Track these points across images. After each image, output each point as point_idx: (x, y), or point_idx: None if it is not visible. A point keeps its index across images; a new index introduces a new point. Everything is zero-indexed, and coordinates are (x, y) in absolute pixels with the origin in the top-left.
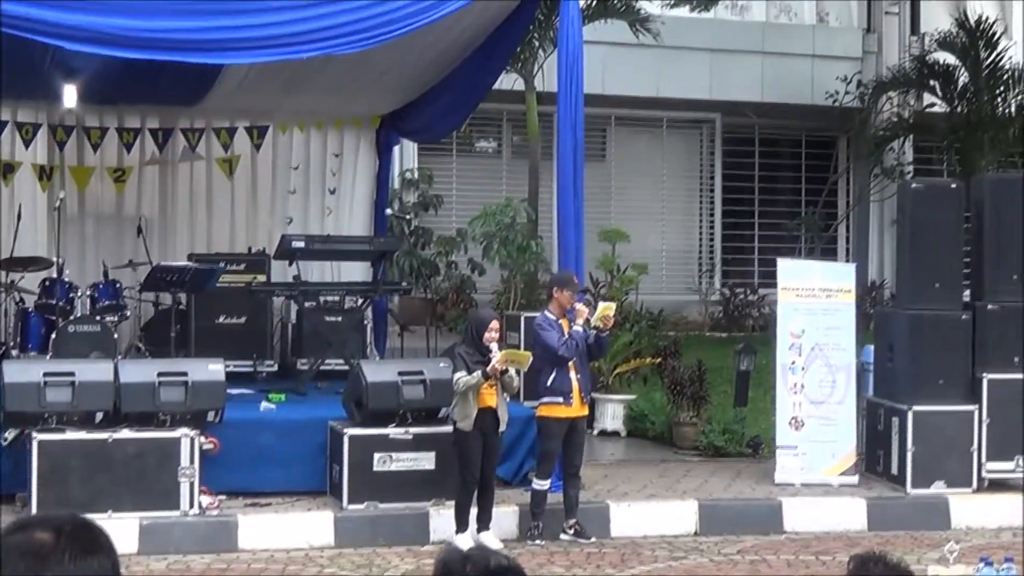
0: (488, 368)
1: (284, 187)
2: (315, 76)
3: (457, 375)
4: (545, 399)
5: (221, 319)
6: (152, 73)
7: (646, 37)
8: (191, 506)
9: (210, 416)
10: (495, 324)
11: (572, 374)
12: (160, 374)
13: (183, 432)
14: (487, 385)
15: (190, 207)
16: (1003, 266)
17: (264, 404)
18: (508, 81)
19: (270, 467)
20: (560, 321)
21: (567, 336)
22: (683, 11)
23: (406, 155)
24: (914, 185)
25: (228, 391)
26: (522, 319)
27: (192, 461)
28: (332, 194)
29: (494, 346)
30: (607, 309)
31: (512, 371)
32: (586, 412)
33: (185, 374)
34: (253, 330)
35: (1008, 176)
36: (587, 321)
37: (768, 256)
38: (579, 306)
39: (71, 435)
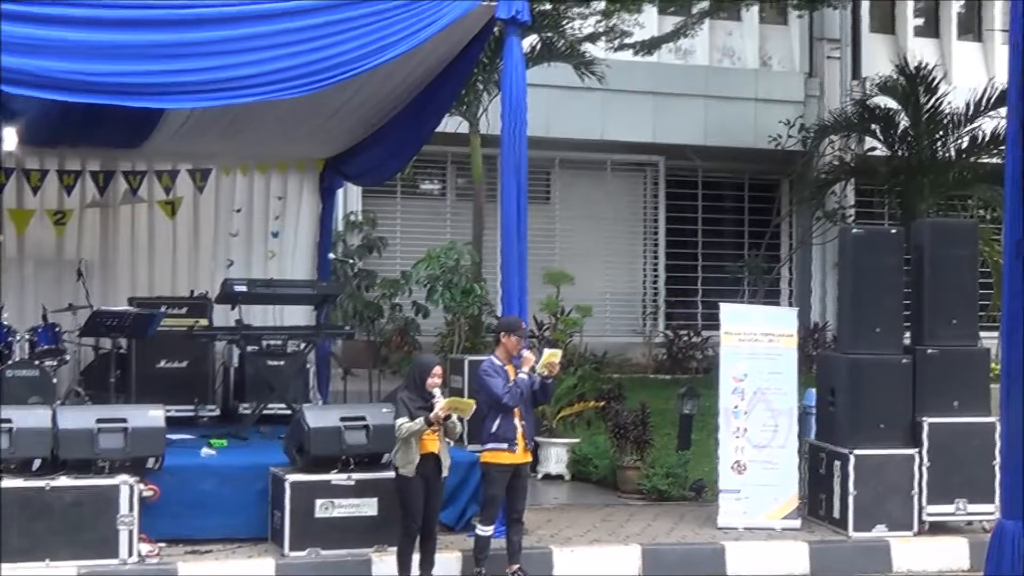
0: (431, 415)
1: (226, 230)
2: (258, 120)
3: (399, 421)
4: (489, 445)
5: (162, 363)
6: (93, 116)
7: (591, 80)
8: (130, 554)
9: (150, 463)
10: (438, 370)
11: (517, 420)
12: (99, 420)
13: (122, 479)
14: (430, 431)
15: (131, 250)
16: (942, 311)
17: (205, 450)
18: (453, 124)
19: (211, 514)
20: (506, 367)
21: (512, 383)
22: (627, 55)
23: (350, 197)
24: (855, 231)
25: (169, 437)
26: (466, 362)
27: (131, 508)
28: (275, 237)
29: (437, 392)
30: (552, 356)
31: (455, 417)
32: (529, 458)
33: (124, 420)
34: (195, 374)
35: (947, 221)
36: (532, 368)
37: (711, 298)
38: (525, 353)
39: (8, 483)
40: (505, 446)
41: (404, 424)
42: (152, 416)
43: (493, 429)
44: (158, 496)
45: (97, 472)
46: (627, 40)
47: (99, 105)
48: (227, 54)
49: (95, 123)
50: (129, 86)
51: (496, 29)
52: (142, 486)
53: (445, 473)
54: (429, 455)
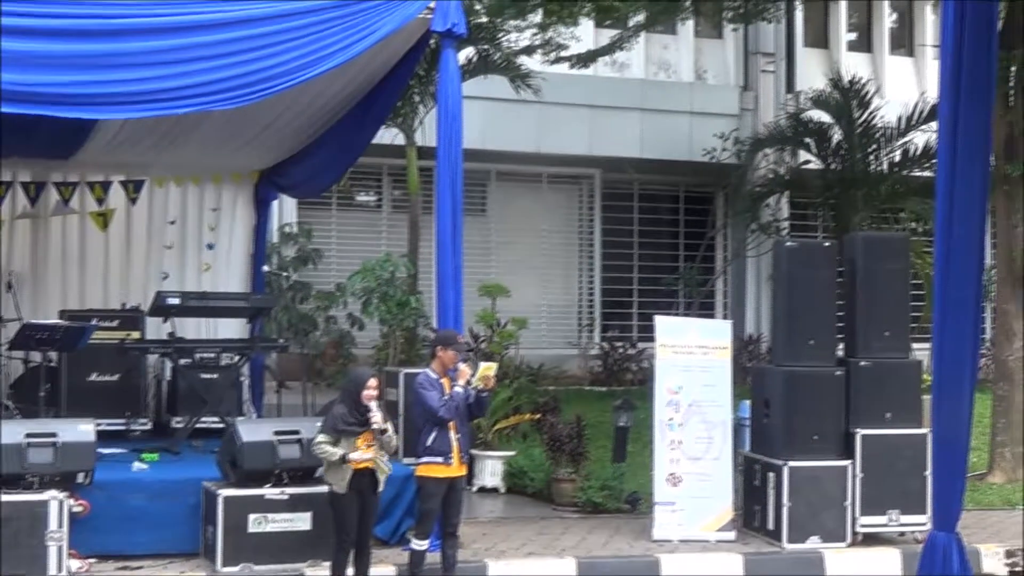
0: (349, 455)
1: (160, 242)
2: (192, 131)
3: (319, 438)
4: (425, 459)
5: (93, 376)
6: (24, 127)
7: (527, 93)
8: (60, 570)
9: (80, 478)
10: (374, 382)
11: (452, 434)
12: (28, 435)
13: (52, 495)
14: (366, 446)
15: (62, 262)
16: (875, 323)
17: (136, 464)
18: (389, 136)
19: (142, 529)
20: (441, 380)
21: (448, 396)
22: (563, 68)
23: (285, 209)
24: (788, 244)
25: (100, 451)
26: (401, 375)
27: (61, 524)
28: (210, 249)
29: (373, 404)
30: (488, 369)
31: (391, 431)
32: (465, 471)
33: (54, 435)
34: (127, 388)
35: (879, 235)
36: (468, 381)
37: (647, 310)
38: (461, 367)
39: None
40: (440, 460)
41: (322, 445)
42: (82, 430)
43: (428, 443)
44: (88, 511)
45: (26, 487)
46: (563, 53)
47: (31, 115)
48: (160, 65)
49: (26, 133)
50: (61, 96)
51: (432, 41)
52: (72, 501)
53: (381, 487)
54: (364, 470)
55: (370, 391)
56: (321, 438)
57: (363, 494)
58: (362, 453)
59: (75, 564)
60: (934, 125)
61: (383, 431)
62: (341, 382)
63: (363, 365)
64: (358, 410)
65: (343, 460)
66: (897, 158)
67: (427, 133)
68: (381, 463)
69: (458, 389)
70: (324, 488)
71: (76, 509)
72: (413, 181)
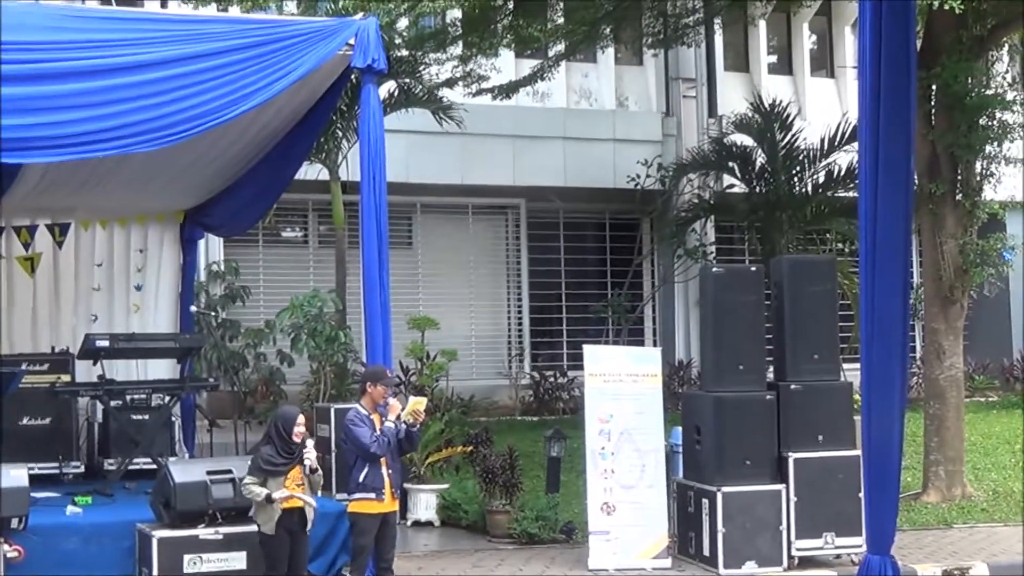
0: (274, 495)
1: (88, 284)
2: (115, 173)
3: (247, 480)
4: (357, 495)
5: (25, 420)
6: None
7: (450, 125)
8: None
9: (14, 523)
10: (302, 419)
11: (384, 469)
12: None
13: None
14: (296, 484)
15: None
16: (804, 346)
17: (70, 508)
18: (313, 171)
19: (77, 573)
20: (372, 416)
21: (379, 432)
22: (486, 99)
23: (212, 247)
24: (714, 269)
25: (33, 495)
26: (332, 411)
27: None
28: (138, 290)
29: (310, 443)
30: (418, 404)
31: (319, 470)
32: (396, 507)
33: None
34: (58, 431)
35: (805, 258)
36: (398, 416)
37: (576, 339)
38: (392, 402)
39: None
40: (373, 495)
41: (249, 486)
42: (15, 476)
43: (360, 479)
44: (23, 557)
45: None
46: (485, 85)
47: None
48: (79, 108)
49: None
50: None
51: (353, 77)
52: (7, 547)
53: (310, 525)
54: (292, 509)
55: (299, 427)
56: (248, 479)
57: (293, 533)
58: (285, 492)
59: None
60: (856, 146)
61: (314, 470)
62: (268, 421)
63: (292, 402)
64: (287, 448)
65: (269, 500)
66: (821, 179)
67: (351, 168)
68: (307, 500)
69: (389, 424)
70: (255, 527)
71: (11, 555)
72: (338, 216)
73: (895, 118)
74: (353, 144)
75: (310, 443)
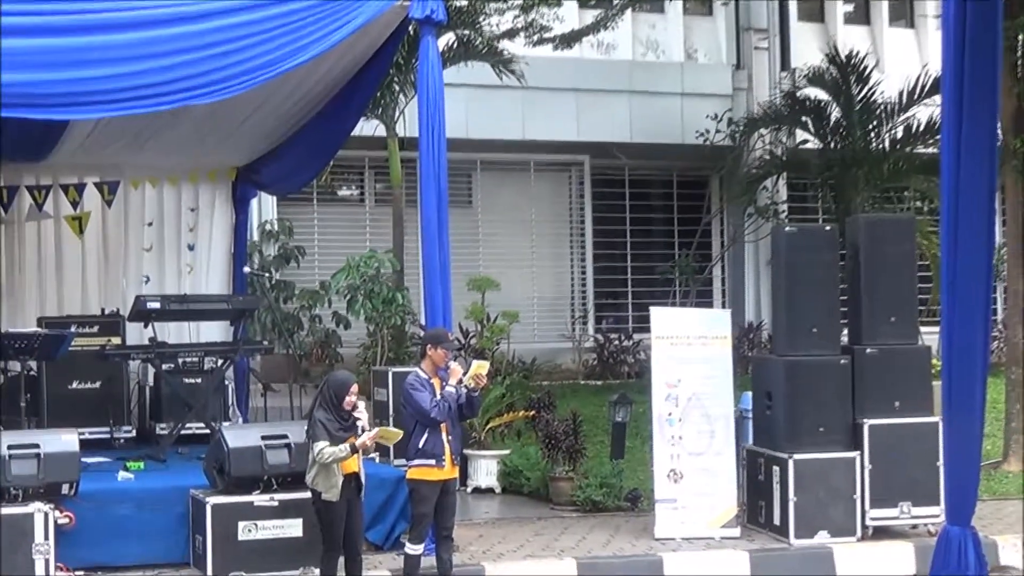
0: (358, 443)
1: (138, 245)
2: (166, 129)
3: (319, 445)
4: (416, 461)
5: (75, 385)
6: None
7: (510, 79)
8: None
9: (64, 489)
10: (356, 387)
11: (444, 435)
12: (10, 447)
13: (36, 507)
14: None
15: (39, 268)
16: (881, 308)
17: (122, 474)
18: (369, 127)
19: (129, 540)
20: (432, 380)
21: (439, 397)
22: (547, 50)
23: (265, 206)
24: (787, 229)
25: (84, 461)
26: (390, 374)
27: (47, 537)
28: (190, 250)
29: (361, 405)
30: (480, 368)
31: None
32: (457, 473)
33: (37, 446)
34: (109, 395)
35: (882, 217)
36: (459, 380)
37: (642, 300)
38: (453, 366)
39: None
40: (432, 462)
41: (326, 449)
42: (65, 440)
43: (420, 445)
44: (74, 523)
45: (10, 500)
46: (546, 35)
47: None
48: (135, 60)
49: None
50: (32, 96)
51: (411, 29)
52: (57, 513)
53: (363, 492)
54: (350, 475)
55: (352, 396)
56: (321, 445)
57: (350, 500)
58: (367, 430)
59: None
60: (937, 99)
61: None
62: (319, 386)
63: (348, 366)
64: (340, 417)
65: (354, 450)
66: (899, 135)
67: (409, 123)
68: (389, 432)
69: (449, 389)
70: None
71: (62, 521)
72: (396, 173)
73: (980, 70)
74: (411, 99)
75: (361, 406)
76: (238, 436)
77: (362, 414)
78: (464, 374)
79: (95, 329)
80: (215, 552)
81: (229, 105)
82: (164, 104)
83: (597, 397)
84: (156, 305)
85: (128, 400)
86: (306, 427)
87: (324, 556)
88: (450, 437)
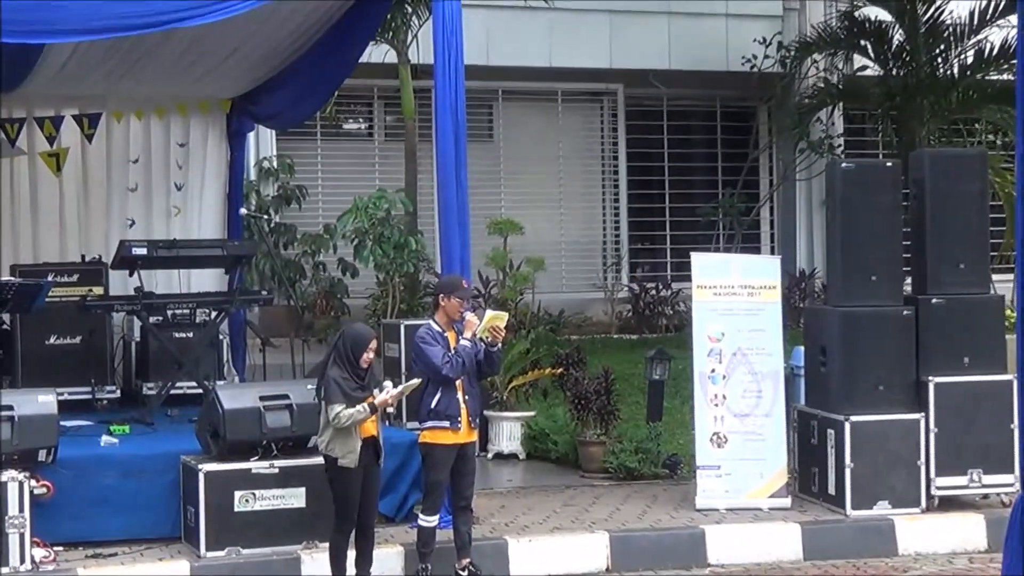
0: (377, 402)
1: (122, 184)
2: (151, 57)
3: (336, 408)
4: (429, 423)
5: (52, 340)
6: None
7: None
8: (22, 561)
9: (41, 456)
10: (375, 343)
11: (460, 395)
12: None
13: (10, 475)
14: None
15: (11, 210)
16: (948, 253)
17: (105, 438)
18: (378, 54)
19: (114, 512)
20: (446, 333)
21: (453, 351)
22: None
23: (263, 141)
24: (844, 165)
25: (62, 424)
26: (402, 328)
27: (22, 509)
28: (179, 190)
29: (388, 384)
30: (496, 319)
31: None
32: (475, 437)
33: (11, 408)
34: (90, 351)
35: (951, 151)
36: (474, 334)
37: (682, 245)
38: (469, 317)
39: None
40: (447, 424)
41: (344, 412)
42: (42, 402)
43: (433, 405)
44: (52, 493)
45: None
46: None
47: None
48: None
49: None
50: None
51: None
52: (34, 482)
53: (382, 456)
54: (368, 439)
55: (370, 353)
56: (338, 408)
57: (367, 466)
58: (390, 388)
59: (40, 553)
60: (1013, 19)
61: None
62: (332, 339)
63: (356, 318)
64: (356, 375)
65: (374, 409)
66: (969, 60)
67: (423, 49)
68: (407, 386)
69: (465, 343)
70: (318, 460)
71: (39, 491)
72: (408, 105)
73: None
74: (424, 21)
75: (388, 384)
76: (234, 396)
77: (390, 391)
78: (479, 326)
79: (75, 278)
80: (209, 525)
81: (221, 30)
82: (146, 28)
83: (632, 353)
84: (142, 251)
85: (112, 357)
86: (318, 386)
87: (335, 529)
88: (467, 397)
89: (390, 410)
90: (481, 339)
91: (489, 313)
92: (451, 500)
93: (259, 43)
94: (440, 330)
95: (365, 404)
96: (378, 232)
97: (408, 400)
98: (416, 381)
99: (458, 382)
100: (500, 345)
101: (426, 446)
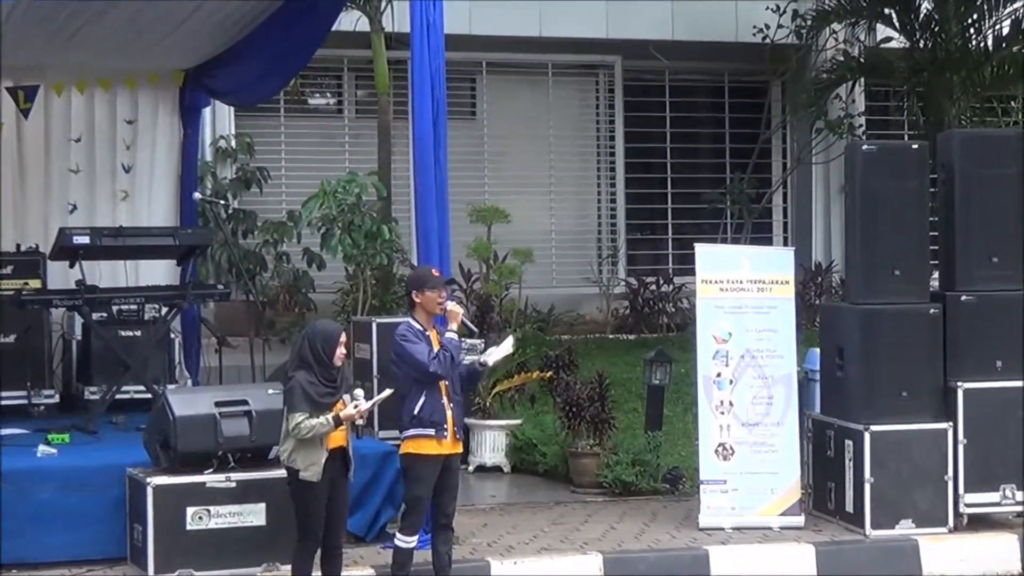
0: (343, 414)
1: (63, 165)
2: (96, 23)
3: (296, 417)
4: (412, 431)
5: None
6: None
7: None
8: None
9: None
10: (344, 337)
11: (445, 400)
12: None
13: None
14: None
15: None
16: (979, 246)
17: (43, 448)
18: (349, 21)
19: (53, 530)
20: (428, 333)
21: (439, 348)
22: None
23: (220, 118)
24: (865, 147)
25: None
26: (374, 326)
27: None
28: (126, 172)
29: (359, 392)
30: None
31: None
32: (460, 448)
33: None
34: (26, 351)
35: (984, 132)
36: (463, 324)
37: (685, 236)
38: (451, 306)
39: None
40: (432, 432)
41: (305, 423)
42: None
43: (416, 411)
44: None
45: None
46: None
47: None
48: None
49: None
50: None
51: None
52: None
53: (352, 470)
54: (336, 450)
55: (341, 350)
56: (298, 416)
57: (333, 481)
58: (361, 401)
59: None
60: None
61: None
62: (297, 340)
63: (324, 315)
64: (328, 377)
65: (338, 423)
66: (1005, 30)
67: (398, 16)
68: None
69: (450, 335)
70: (280, 473)
71: None
72: (382, 78)
73: None
74: None
75: (359, 392)
76: (186, 402)
77: (361, 402)
78: (462, 317)
79: (9, 270)
80: (158, 544)
81: None
82: None
83: (629, 355)
84: (85, 240)
85: (50, 358)
86: (282, 391)
87: (297, 548)
88: (452, 404)
89: (360, 422)
90: (483, 362)
91: (509, 342)
92: (431, 517)
93: (216, 8)
94: (421, 328)
95: (329, 417)
96: (348, 219)
97: (381, 407)
98: (388, 392)
99: (443, 386)
100: (483, 366)
101: (408, 457)
